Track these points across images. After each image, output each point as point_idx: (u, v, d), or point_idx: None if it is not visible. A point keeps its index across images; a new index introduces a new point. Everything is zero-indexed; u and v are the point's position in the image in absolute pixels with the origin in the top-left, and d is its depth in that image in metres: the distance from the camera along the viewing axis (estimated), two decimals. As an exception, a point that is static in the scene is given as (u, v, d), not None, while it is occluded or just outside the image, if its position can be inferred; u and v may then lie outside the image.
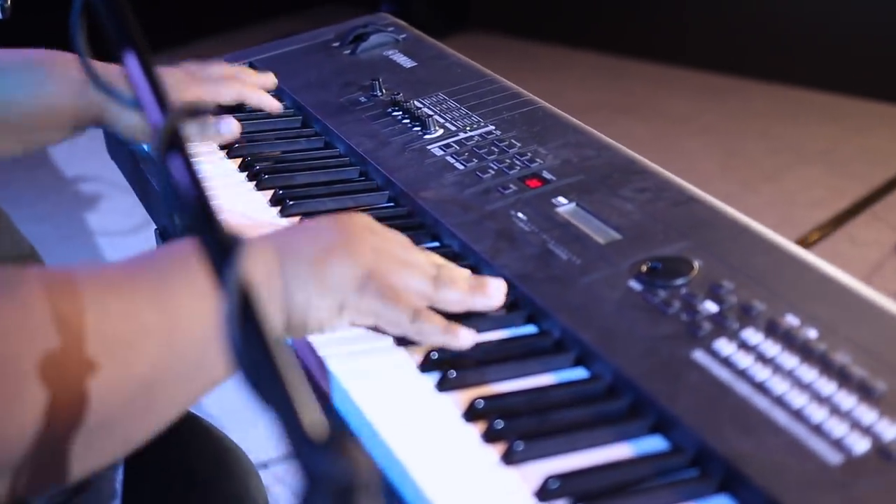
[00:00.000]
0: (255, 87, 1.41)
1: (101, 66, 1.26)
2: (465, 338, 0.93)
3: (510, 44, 5.38)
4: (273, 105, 1.42)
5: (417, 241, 1.10)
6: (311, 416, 0.50)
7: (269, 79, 1.46)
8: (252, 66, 1.61)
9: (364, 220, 0.98)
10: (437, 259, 0.99)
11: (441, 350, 0.92)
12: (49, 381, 0.71)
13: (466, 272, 0.99)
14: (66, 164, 3.92)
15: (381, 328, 0.94)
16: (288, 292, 0.89)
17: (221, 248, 0.58)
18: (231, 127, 1.33)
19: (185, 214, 0.61)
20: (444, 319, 0.93)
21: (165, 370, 0.79)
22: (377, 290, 0.91)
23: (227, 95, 1.37)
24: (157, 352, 0.78)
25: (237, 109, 1.42)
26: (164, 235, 1.38)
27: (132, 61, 0.69)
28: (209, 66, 1.40)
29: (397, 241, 0.97)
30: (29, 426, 0.70)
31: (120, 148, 1.41)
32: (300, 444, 0.49)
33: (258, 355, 0.53)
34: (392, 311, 0.92)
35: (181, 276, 0.82)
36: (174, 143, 0.65)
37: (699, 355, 0.87)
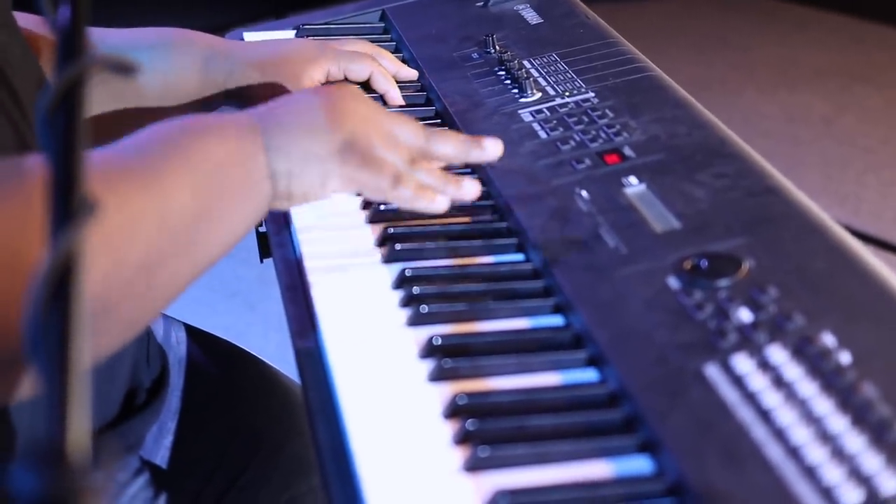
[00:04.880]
0: (387, 73, 1.30)
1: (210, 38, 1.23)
2: (440, 202, 0.95)
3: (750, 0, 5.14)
4: (396, 99, 1.29)
5: (477, 215, 1.04)
6: (76, 433, 0.45)
7: (408, 72, 1.34)
8: (384, 14, 1.56)
9: (351, 90, 0.98)
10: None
11: (446, 336, 0.86)
12: None
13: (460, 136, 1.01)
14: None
15: (365, 195, 0.99)
16: (270, 162, 0.90)
17: (67, 214, 0.54)
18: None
19: (49, 171, 0.56)
20: (424, 185, 0.95)
21: (161, 252, 0.80)
22: (359, 157, 0.92)
23: (358, 73, 1.27)
24: (150, 235, 0.80)
25: None
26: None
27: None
28: (346, 41, 1.32)
29: (386, 112, 0.97)
30: None
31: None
32: (44, 450, 0.44)
33: (54, 341, 0.49)
34: (372, 178, 0.92)
35: (168, 157, 0.84)
36: (70, 97, 0.60)
37: (711, 370, 0.77)
